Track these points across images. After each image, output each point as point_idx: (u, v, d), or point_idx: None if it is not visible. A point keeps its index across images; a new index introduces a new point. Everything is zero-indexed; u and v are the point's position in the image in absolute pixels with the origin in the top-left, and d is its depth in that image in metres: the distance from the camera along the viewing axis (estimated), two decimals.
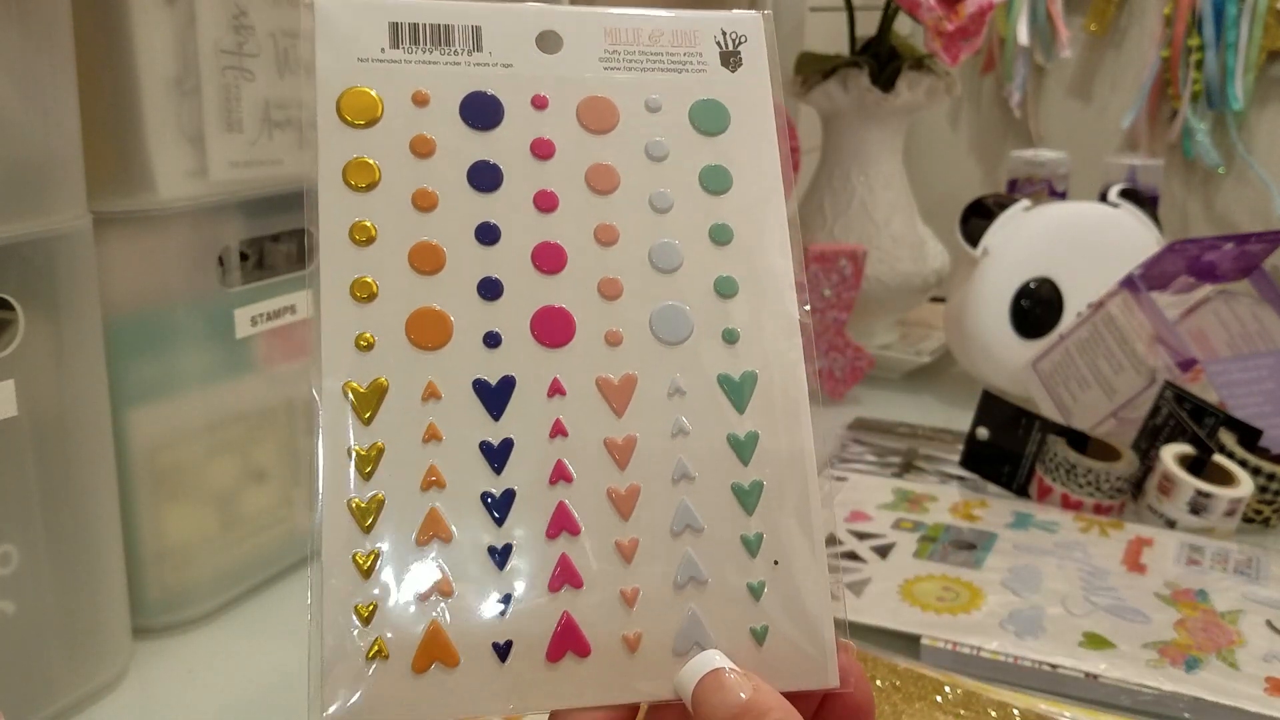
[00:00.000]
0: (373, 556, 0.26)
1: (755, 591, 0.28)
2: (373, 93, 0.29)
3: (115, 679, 0.50)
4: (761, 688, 0.26)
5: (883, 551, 0.61)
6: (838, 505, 0.67)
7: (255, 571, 0.59)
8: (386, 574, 0.26)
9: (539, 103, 0.30)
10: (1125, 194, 0.88)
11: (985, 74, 1.49)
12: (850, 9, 0.95)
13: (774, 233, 0.31)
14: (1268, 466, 0.65)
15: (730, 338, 0.30)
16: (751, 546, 0.28)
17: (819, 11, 1.16)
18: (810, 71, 0.92)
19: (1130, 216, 0.86)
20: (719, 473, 0.29)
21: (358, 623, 0.26)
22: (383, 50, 0.29)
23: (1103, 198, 0.89)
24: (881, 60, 0.91)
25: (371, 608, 0.26)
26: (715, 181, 0.31)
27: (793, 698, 0.26)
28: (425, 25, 0.30)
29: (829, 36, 1.06)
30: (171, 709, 0.49)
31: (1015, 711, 0.47)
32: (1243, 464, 0.65)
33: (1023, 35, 1.38)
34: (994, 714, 0.47)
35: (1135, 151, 1.40)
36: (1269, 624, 0.53)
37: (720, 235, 0.30)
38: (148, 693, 0.50)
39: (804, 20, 1.15)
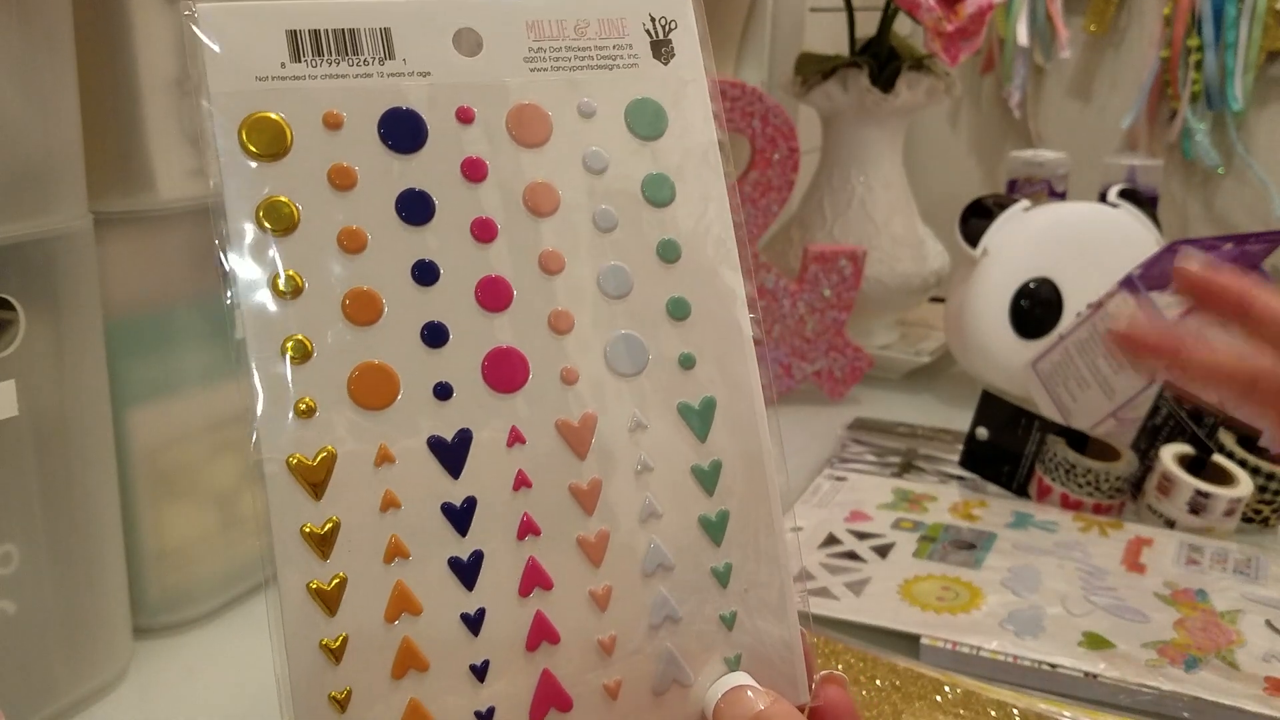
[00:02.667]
0: (341, 640, 0.25)
1: (728, 622, 0.28)
2: (278, 118, 0.26)
3: (115, 679, 0.50)
4: (780, 703, 0.26)
5: (882, 551, 0.61)
6: (837, 505, 0.67)
7: (256, 571, 0.59)
8: (358, 657, 0.25)
9: (464, 116, 0.28)
10: (1125, 194, 0.88)
11: (985, 74, 1.49)
12: (850, 9, 0.95)
13: (721, 244, 0.29)
14: (1267, 466, 0.65)
15: (687, 363, 0.28)
16: (722, 578, 0.28)
17: (819, 12, 1.16)
18: (810, 72, 0.93)
19: (1130, 217, 0.86)
20: (685, 507, 0.28)
21: (333, 712, 0.25)
22: (283, 65, 0.26)
23: (1102, 198, 0.89)
24: (881, 61, 0.91)
25: (346, 694, 0.25)
26: (658, 192, 0.29)
27: None
28: (328, 32, 0.27)
29: (829, 37, 1.06)
30: (171, 709, 0.50)
31: (1015, 711, 0.47)
32: (1242, 464, 0.65)
33: (1022, 36, 1.38)
34: (994, 714, 0.47)
35: (1135, 152, 1.40)
36: (1268, 624, 0.53)
37: (668, 252, 0.29)
38: (148, 693, 0.50)
39: (804, 20, 1.15)
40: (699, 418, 0.28)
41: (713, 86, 0.30)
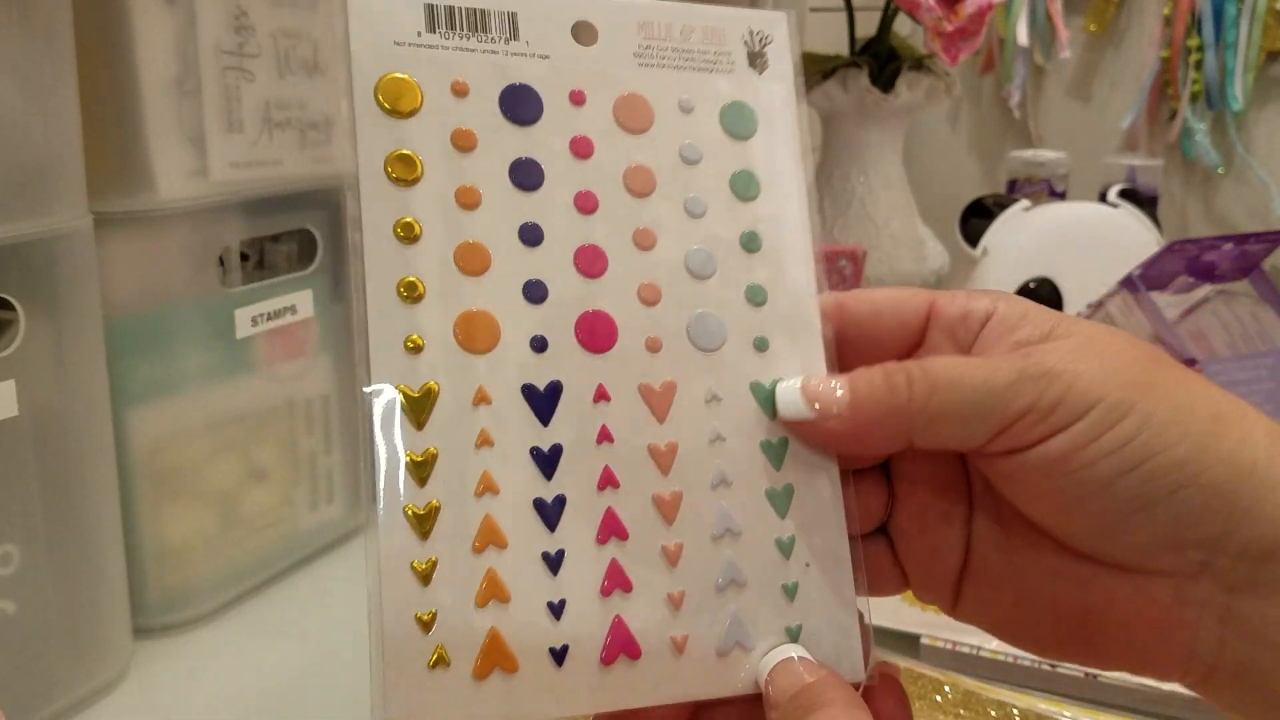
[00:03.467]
0: (430, 564, 0.26)
1: (790, 592, 0.29)
2: (412, 80, 0.28)
3: (115, 679, 0.50)
4: (832, 677, 0.27)
5: None
6: None
7: (255, 571, 0.59)
8: (445, 581, 0.26)
9: (577, 98, 0.30)
10: (1125, 194, 0.88)
11: (985, 74, 1.49)
12: (850, 9, 0.95)
13: (797, 242, 0.31)
14: None
15: (761, 346, 0.30)
16: (785, 549, 0.29)
17: (819, 11, 1.16)
18: (810, 72, 0.93)
19: (1130, 217, 0.86)
20: (753, 478, 0.29)
21: (419, 630, 0.26)
22: (419, 34, 0.28)
23: (1102, 198, 0.89)
24: (881, 60, 0.91)
25: (431, 615, 0.26)
26: (745, 188, 0.31)
27: None
28: (462, 9, 0.29)
29: (829, 36, 1.06)
30: (171, 709, 0.50)
31: (1015, 711, 0.47)
32: None
33: (1022, 35, 1.39)
34: (994, 714, 0.47)
35: (1135, 152, 1.40)
36: None
37: (750, 243, 0.30)
38: (148, 693, 0.50)
39: (804, 20, 1.15)
40: (769, 397, 0.30)
41: (799, 101, 0.32)
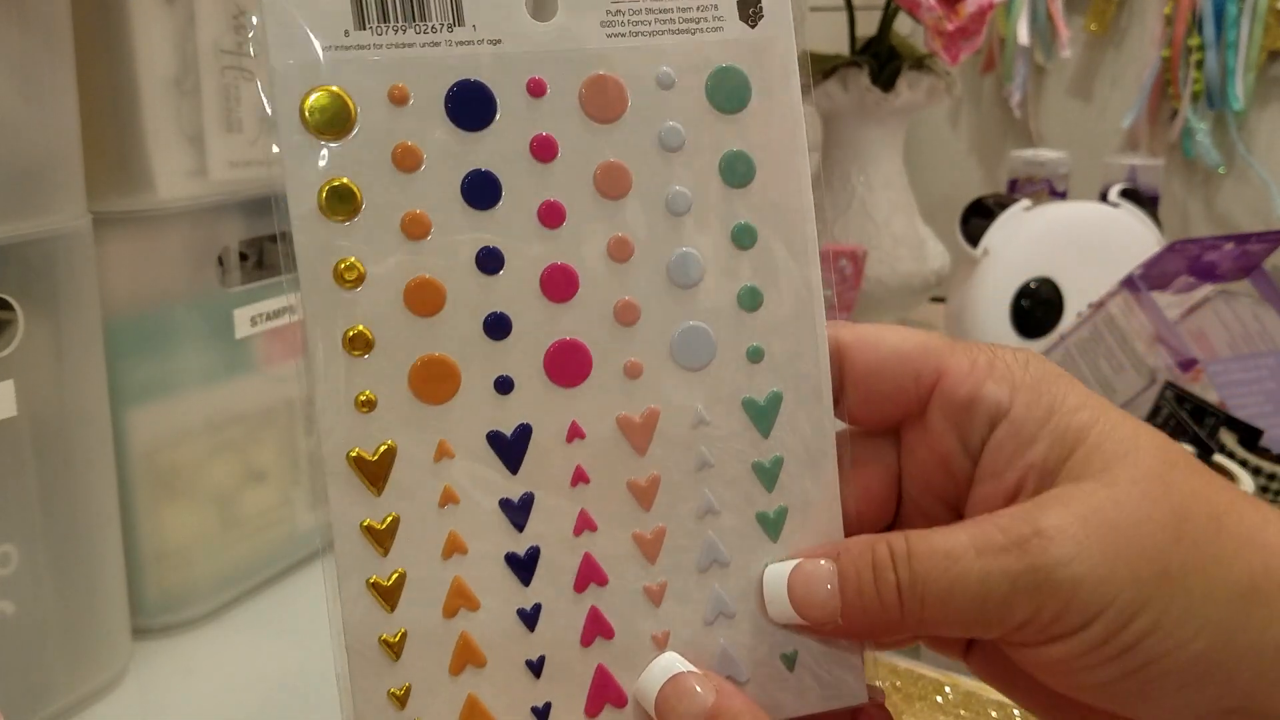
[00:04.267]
0: (400, 636, 0.25)
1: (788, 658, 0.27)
2: (342, 92, 0.24)
3: (115, 679, 0.50)
4: (725, 689, 0.25)
5: None
6: None
7: (255, 571, 0.59)
8: (416, 653, 0.25)
9: (536, 89, 0.26)
10: (1125, 194, 0.88)
11: (985, 74, 1.49)
12: (850, 9, 0.95)
13: (799, 231, 0.27)
14: (1268, 466, 0.65)
15: (755, 356, 0.27)
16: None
17: (819, 11, 1.16)
18: (810, 71, 0.92)
19: (1130, 216, 0.86)
20: (744, 503, 0.27)
21: (393, 708, 0.24)
22: (347, 34, 0.24)
23: (1103, 198, 0.89)
24: (881, 60, 0.91)
25: (405, 689, 0.25)
26: (736, 172, 0.27)
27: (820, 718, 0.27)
28: None
29: (829, 36, 1.06)
30: (171, 709, 0.49)
31: (1016, 712, 0.47)
32: (1243, 464, 0.65)
33: (1023, 35, 1.38)
34: (994, 714, 0.47)
35: (1135, 151, 1.40)
36: None
37: (742, 238, 0.27)
38: (147, 693, 0.50)
39: (804, 20, 1.15)
40: (763, 414, 0.27)
41: (802, 54, 0.28)
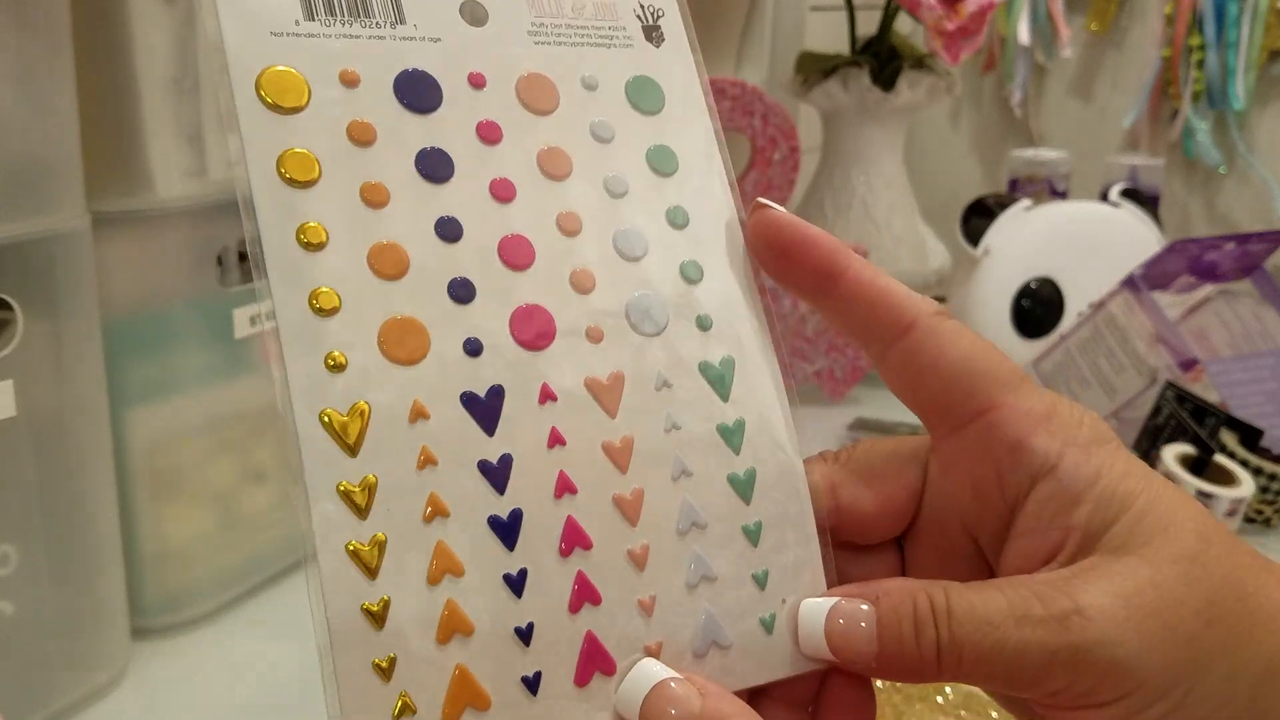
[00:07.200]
0: (383, 604, 0.24)
1: (760, 581, 0.28)
2: (296, 72, 0.26)
3: (114, 679, 0.50)
4: (711, 690, 0.25)
5: None
6: None
7: (255, 571, 0.59)
8: (401, 621, 0.24)
9: (476, 81, 0.28)
10: (1126, 194, 0.88)
11: (986, 73, 1.49)
12: (850, 8, 0.95)
13: (724, 212, 0.30)
14: (1269, 467, 0.65)
15: (704, 324, 0.29)
16: (753, 536, 0.28)
17: (819, 11, 1.16)
18: (810, 71, 0.92)
19: (1131, 216, 0.86)
20: (714, 465, 0.28)
21: (378, 680, 0.24)
22: (297, 23, 0.26)
23: (1104, 197, 0.89)
24: (882, 60, 0.91)
25: (390, 660, 0.24)
26: (663, 162, 0.29)
27: (798, 681, 0.27)
28: None
29: (829, 36, 1.06)
30: (171, 709, 0.49)
31: None
32: (1244, 464, 0.65)
33: (1023, 34, 1.38)
34: (995, 715, 0.46)
35: (1136, 151, 1.40)
36: None
37: (677, 218, 0.29)
38: (147, 693, 0.50)
39: (804, 20, 1.15)
40: (719, 377, 0.28)
41: (700, 74, 0.31)
